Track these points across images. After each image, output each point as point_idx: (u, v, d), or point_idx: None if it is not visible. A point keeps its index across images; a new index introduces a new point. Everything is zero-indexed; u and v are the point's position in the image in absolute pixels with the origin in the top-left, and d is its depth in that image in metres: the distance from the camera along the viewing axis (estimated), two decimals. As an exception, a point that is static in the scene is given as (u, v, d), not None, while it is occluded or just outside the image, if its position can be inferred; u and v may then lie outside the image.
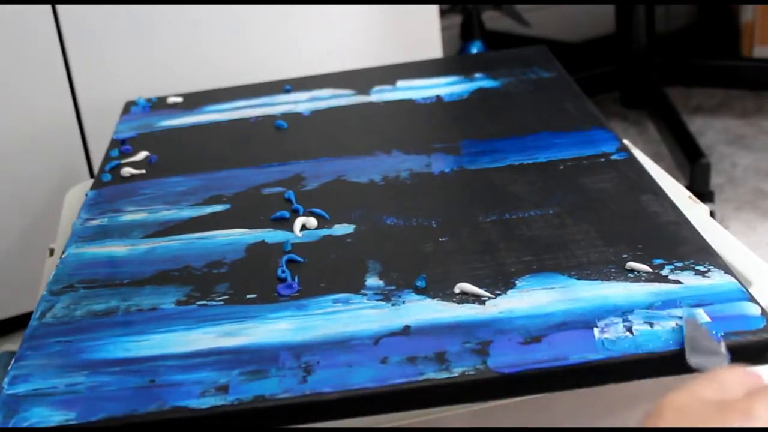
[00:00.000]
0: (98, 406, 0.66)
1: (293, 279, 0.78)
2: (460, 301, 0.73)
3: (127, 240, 0.88)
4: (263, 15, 1.43)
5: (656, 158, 1.70)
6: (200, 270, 0.81)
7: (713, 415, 0.49)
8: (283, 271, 0.79)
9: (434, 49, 1.55)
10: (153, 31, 1.38)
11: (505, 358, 0.66)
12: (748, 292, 0.70)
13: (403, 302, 0.73)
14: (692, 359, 0.58)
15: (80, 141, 1.38)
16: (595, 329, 0.67)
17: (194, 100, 1.20)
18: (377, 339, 0.69)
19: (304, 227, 0.86)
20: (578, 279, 0.74)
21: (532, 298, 0.72)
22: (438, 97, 1.13)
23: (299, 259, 0.81)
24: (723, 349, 0.58)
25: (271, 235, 0.86)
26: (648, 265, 0.74)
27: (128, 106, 1.21)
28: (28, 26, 1.30)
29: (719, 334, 0.64)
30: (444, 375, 0.65)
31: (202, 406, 0.65)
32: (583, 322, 0.68)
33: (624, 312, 0.69)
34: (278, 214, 0.88)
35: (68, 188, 1.15)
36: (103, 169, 1.03)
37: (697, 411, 0.50)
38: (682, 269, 0.73)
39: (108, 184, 0.99)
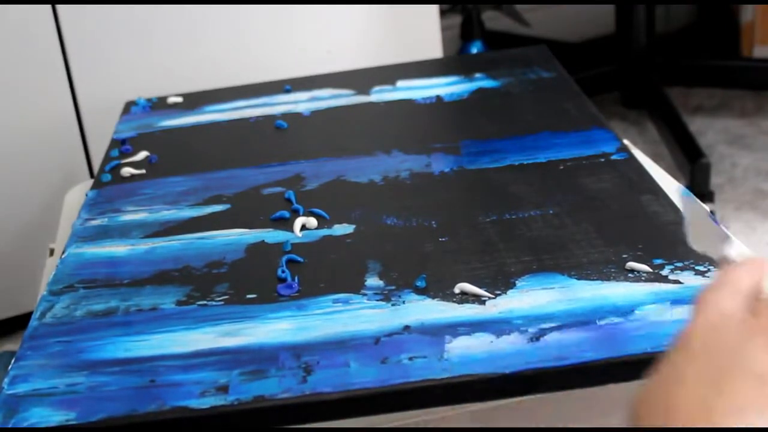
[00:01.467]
0: (98, 406, 0.66)
1: (293, 279, 0.78)
2: (460, 301, 0.73)
3: (127, 240, 0.88)
4: (263, 15, 1.43)
5: (656, 158, 1.70)
6: (200, 270, 0.81)
7: (740, 339, 0.48)
8: (283, 271, 0.79)
9: (434, 49, 1.55)
10: (153, 31, 1.38)
11: (505, 359, 0.66)
12: (747, 292, 0.70)
13: (403, 302, 0.73)
14: (695, 244, 0.56)
15: (80, 141, 1.38)
16: (595, 329, 0.67)
17: (194, 100, 1.20)
18: (377, 339, 0.69)
19: (304, 227, 0.86)
20: (578, 279, 0.74)
21: (532, 298, 0.72)
22: (438, 97, 1.13)
23: (299, 259, 0.81)
24: (725, 231, 0.55)
25: (271, 235, 0.86)
26: (648, 265, 0.74)
27: (128, 106, 1.21)
28: (28, 27, 1.30)
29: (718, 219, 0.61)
30: (444, 375, 0.65)
31: (202, 406, 0.65)
32: (583, 322, 0.68)
33: (624, 312, 0.69)
34: (278, 214, 0.88)
35: (68, 188, 1.15)
36: (103, 169, 1.03)
37: (723, 334, 0.48)
38: (682, 269, 0.73)
39: (108, 184, 0.99)
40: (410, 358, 0.67)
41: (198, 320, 0.74)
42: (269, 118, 1.12)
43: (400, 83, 1.18)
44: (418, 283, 0.75)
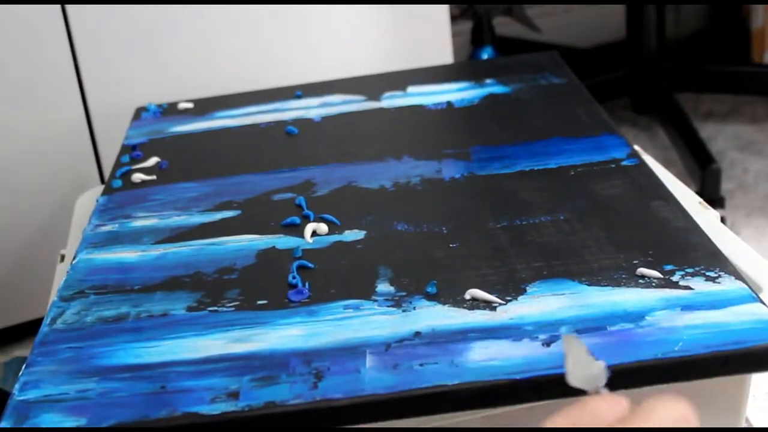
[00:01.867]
0: (109, 412, 0.66)
1: (304, 285, 0.78)
2: (471, 308, 0.72)
3: (138, 246, 0.88)
4: (274, 21, 1.43)
5: (667, 164, 1.69)
6: (211, 276, 0.81)
7: None
8: (294, 277, 0.79)
9: (445, 55, 1.55)
10: (164, 36, 1.38)
11: (515, 365, 0.65)
12: (758, 297, 0.70)
13: (414, 308, 0.73)
14: (572, 380, 0.56)
15: (91, 147, 1.38)
16: (606, 335, 0.67)
17: (205, 106, 1.21)
18: (388, 345, 0.69)
19: (314, 233, 0.86)
20: (589, 285, 0.73)
21: (543, 305, 0.72)
22: (449, 103, 1.13)
23: (310, 265, 0.81)
24: (602, 368, 0.56)
25: (282, 241, 0.86)
26: (658, 271, 0.74)
27: (139, 112, 1.22)
28: (38, 31, 1.31)
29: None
30: (455, 381, 0.65)
31: (213, 413, 0.65)
32: (594, 328, 0.68)
33: (635, 318, 0.69)
34: (289, 220, 0.88)
35: (79, 194, 1.15)
36: (113, 175, 1.03)
37: None
38: (693, 275, 0.73)
39: (118, 190, 1.00)
40: (421, 364, 0.67)
41: (209, 326, 0.74)
42: (280, 124, 1.12)
43: (410, 89, 1.18)
44: (429, 290, 0.75)
